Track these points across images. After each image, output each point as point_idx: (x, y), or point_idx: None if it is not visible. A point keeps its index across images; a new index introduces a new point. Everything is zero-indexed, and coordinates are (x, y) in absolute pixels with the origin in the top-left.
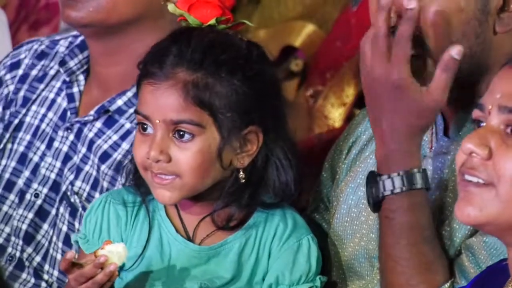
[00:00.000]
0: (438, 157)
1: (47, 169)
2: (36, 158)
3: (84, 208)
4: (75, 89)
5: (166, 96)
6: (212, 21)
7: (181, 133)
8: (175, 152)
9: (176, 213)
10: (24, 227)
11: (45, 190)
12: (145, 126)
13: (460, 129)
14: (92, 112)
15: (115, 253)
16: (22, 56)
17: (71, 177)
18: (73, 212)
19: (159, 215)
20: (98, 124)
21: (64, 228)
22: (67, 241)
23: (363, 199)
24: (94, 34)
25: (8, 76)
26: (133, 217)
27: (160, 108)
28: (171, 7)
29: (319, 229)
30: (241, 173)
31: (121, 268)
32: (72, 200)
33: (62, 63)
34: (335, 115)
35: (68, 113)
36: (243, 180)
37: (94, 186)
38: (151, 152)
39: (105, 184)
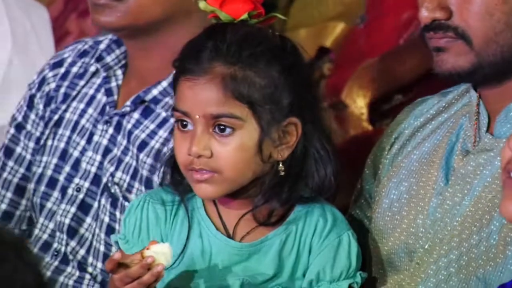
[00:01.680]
0: (481, 154)
1: (87, 163)
2: (76, 153)
3: (125, 198)
4: (113, 84)
5: (205, 91)
6: (244, 16)
7: (222, 127)
8: (216, 147)
9: (215, 211)
10: (67, 221)
11: (86, 184)
12: (185, 123)
13: (504, 125)
14: (128, 103)
15: (161, 253)
16: (66, 55)
17: (112, 169)
18: (114, 203)
19: (199, 213)
20: (136, 115)
21: (106, 219)
22: (109, 233)
23: (405, 194)
24: (126, 35)
25: (50, 74)
26: (172, 216)
27: (200, 103)
28: (202, 4)
29: (361, 226)
30: (280, 165)
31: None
32: (112, 190)
33: (99, 58)
34: (364, 118)
35: (107, 108)
36: (283, 173)
37: (133, 176)
38: (193, 147)
39: (145, 173)
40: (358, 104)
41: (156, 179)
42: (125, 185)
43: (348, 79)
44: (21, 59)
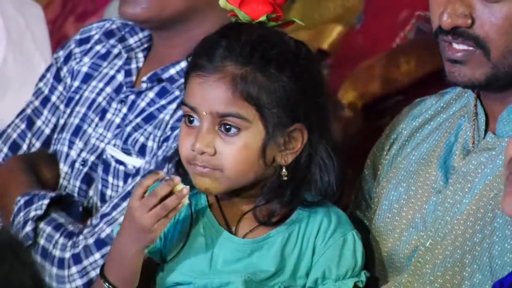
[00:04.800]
0: (483, 153)
1: (97, 139)
2: (90, 130)
3: (119, 162)
4: (133, 65)
5: (214, 89)
6: (263, 18)
7: (227, 126)
8: (220, 145)
9: (218, 208)
10: (75, 195)
11: (92, 158)
12: (192, 119)
13: (507, 124)
14: (144, 79)
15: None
16: (93, 32)
17: (111, 137)
18: (106, 169)
19: (202, 209)
20: (151, 95)
21: (99, 186)
22: (103, 199)
23: (404, 195)
24: (152, 27)
25: (77, 50)
26: None
27: (208, 100)
28: (222, 2)
29: (360, 226)
30: (283, 170)
31: (164, 260)
32: (104, 157)
33: (122, 39)
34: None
35: (124, 88)
36: (286, 178)
37: (126, 141)
38: (197, 144)
39: (141, 139)
40: (354, 105)
41: (150, 144)
42: (119, 149)
43: (344, 79)
44: (16, 57)
